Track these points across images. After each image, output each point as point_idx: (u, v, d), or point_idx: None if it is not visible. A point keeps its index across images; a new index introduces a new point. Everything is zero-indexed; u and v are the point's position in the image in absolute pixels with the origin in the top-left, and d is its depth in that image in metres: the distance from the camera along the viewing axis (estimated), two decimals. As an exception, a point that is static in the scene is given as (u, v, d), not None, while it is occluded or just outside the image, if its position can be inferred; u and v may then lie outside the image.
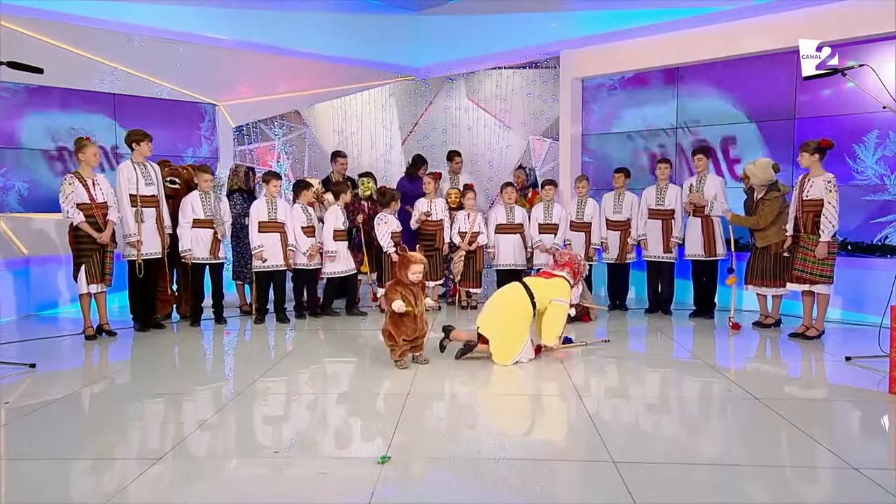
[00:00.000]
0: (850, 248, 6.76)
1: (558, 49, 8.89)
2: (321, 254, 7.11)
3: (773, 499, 2.86)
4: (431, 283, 7.40)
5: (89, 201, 5.93)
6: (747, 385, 4.49)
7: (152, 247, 6.38)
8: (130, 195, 6.22)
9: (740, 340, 6.09)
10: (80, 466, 3.23)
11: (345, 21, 9.28)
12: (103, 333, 6.18)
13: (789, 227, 6.02)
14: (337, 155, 8.26)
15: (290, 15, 8.83)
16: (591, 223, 7.54)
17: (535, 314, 5.23)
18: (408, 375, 4.76)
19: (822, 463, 3.24)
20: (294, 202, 7.13)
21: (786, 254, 6.07)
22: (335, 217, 7.11)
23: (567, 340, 5.65)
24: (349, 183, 7.73)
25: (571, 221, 7.64)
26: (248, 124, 9.15)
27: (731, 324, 6.40)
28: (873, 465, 3.14)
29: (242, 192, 7.44)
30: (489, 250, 7.79)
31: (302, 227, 6.95)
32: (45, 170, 7.48)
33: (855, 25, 6.52)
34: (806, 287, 5.91)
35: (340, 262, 7.15)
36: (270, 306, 7.13)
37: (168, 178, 6.78)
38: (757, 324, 6.52)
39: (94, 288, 6.04)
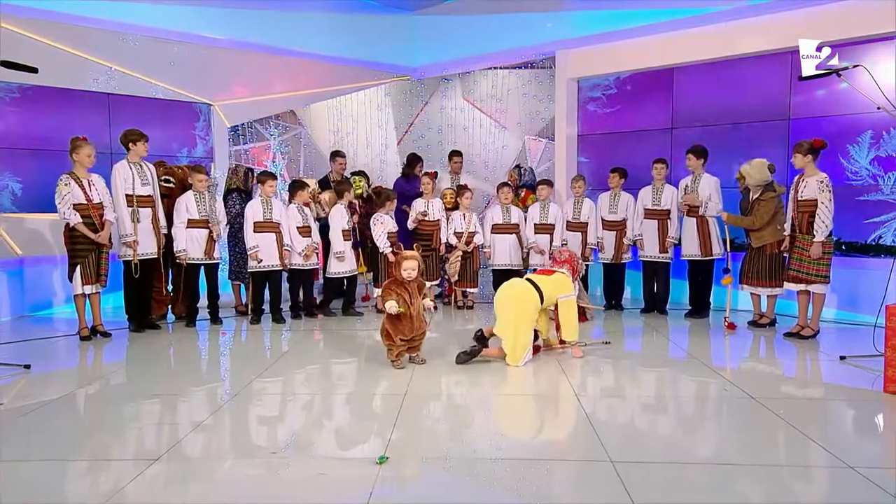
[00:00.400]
0: (844, 247, 6.79)
1: (554, 49, 8.90)
2: (317, 254, 7.10)
3: (769, 498, 2.86)
4: (428, 283, 7.39)
5: (86, 201, 5.91)
6: (743, 384, 4.50)
7: (148, 247, 6.37)
8: (127, 195, 6.20)
9: (736, 340, 6.11)
10: (76, 468, 3.22)
11: (340, 21, 9.26)
12: (98, 334, 6.16)
13: (787, 227, 6.04)
14: (336, 155, 8.26)
15: (286, 15, 8.80)
16: (587, 223, 7.57)
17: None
18: (405, 376, 4.76)
19: (818, 462, 3.26)
20: (290, 202, 7.11)
21: (784, 254, 6.10)
22: (340, 216, 7.10)
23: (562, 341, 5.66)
24: (351, 182, 7.70)
25: (568, 221, 7.66)
26: (243, 124, 9.13)
27: (726, 323, 6.42)
28: (869, 464, 3.15)
29: (240, 191, 7.43)
30: (485, 250, 7.80)
31: (297, 228, 6.94)
32: (38, 169, 7.43)
33: (851, 26, 6.55)
34: (802, 287, 5.94)
35: (347, 263, 7.14)
36: (266, 307, 7.11)
37: (163, 178, 6.76)
38: (752, 323, 6.54)
39: (88, 288, 6.02)
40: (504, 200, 7.76)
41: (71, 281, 6.03)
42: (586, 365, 5.18)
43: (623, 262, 7.56)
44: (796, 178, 6.02)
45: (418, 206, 7.65)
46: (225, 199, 7.33)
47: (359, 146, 10.05)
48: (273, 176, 6.97)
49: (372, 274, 7.72)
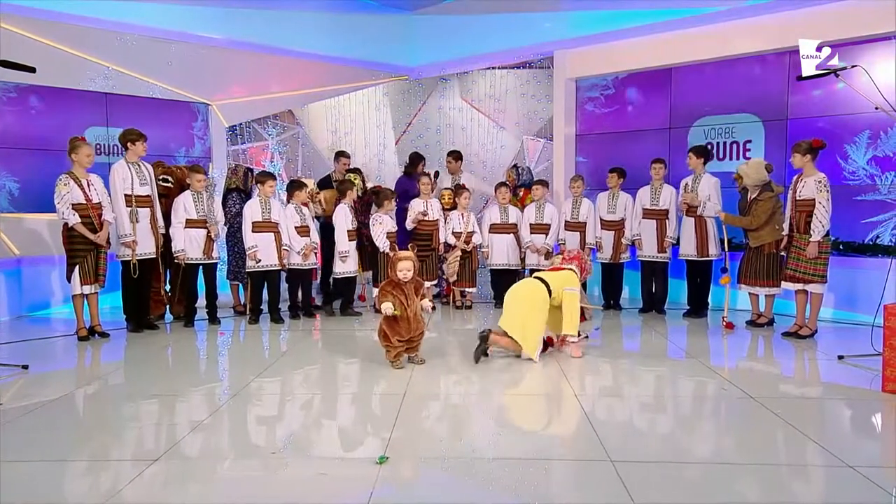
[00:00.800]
0: (841, 247, 6.80)
1: (552, 49, 8.89)
2: (315, 253, 7.10)
3: (769, 497, 2.87)
4: (427, 283, 7.39)
5: (85, 201, 5.90)
6: (742, 384, 4.51)
7: (146, 247, 6.37)
8: (125, 195, 6.19)
9: (734, 339, 6.12)
10: (75, 468, 3.22)
11: (338, 20, 9.27)
12: (96, 335, 6.15)
13: (785, 226, 6.06)
14: (340, 155, 8.23)
15: (284, 14, 8.82)
16: (585, 223, 7.58)
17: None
18: (404, 375, 4.77)
19: (817, 461, 3.27)
20: (288, 202, 7.11)
21: (782, 253, 6.11)
22: (344, 216, 7.09)
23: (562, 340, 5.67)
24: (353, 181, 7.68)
25: (566, 221, 7.67)
26: (241, 124, 9.11)
27: (724, 323, 6.43)
28: (868, 463, 3.16)
29: (240, 191, 7.42)
30: (483, 250, 7.81)
31: (296, 227, 6.94)
32: (35, 169, 7.40)
33: (849, 26, 6.55)
34: (800, 286, 5.95)
35: (351, 262, 7.14)
36: (265, 306, 7.11)
37: (161, 177, 6.75)
38: (750, 323, 6.55)
39: (87, 289, 6.02)
40: (502, 200, 7.77)
41: (69, 281, 6.02)
42: (585, 365, 5.18)
43: (621, 261, 7.57)
44: (795, 177, 6.04)
45: (417, 206, 7.64)
46: (224, 198, 7.32)
47: (357, 146, 10.03)
48: (272, 176, 6.96)
49: (371, 273, 7.70)
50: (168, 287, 6.99)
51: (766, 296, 6.46)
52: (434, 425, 3.87)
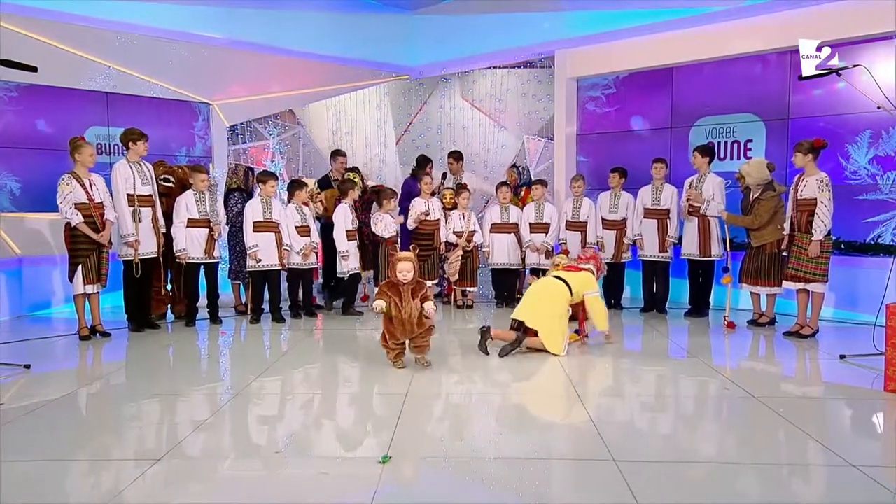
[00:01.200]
0: (843, 246, 6.80)
1: (553, 49, 8.89)
2: (315, 253, 7.10)
3: (773, 496, 2.87)
4: (428, 283, 7.38)
5: (87, 201, 5.90)
6: (744, 383, 4.51)
7: (148, 246, 6.36)
8: (128, 195, 6.19)
9: (735, 339, 6.12)
10: (77, 468, 3.22)
11: (339, 20, 9.27)
12: (97, 334, 6.14)
13: (787, 226, 6.06)
14: (336, 154, 8.25)
15: (285, 14, 8.82)
16: (586, 222, 7.58)
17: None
18: (405, 375, 4.76)
19: (820, 460, 3.27)
20: (288, 202, 7.10)
21: (784, 253, 6.11)
22: (344, 216, 7.06)
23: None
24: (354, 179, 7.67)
25: (567, 221, 7.67)
26: (242, 123, 9.11)
27: (726, 322, 6.43)
28: (871, 463, 3.17)
29: (241, 191, 7.41)
30: (484, 250, 7.81)
31: (296, 227, 6.93)
32: (37, 169, 7.40)
33: (850, 26, 6.55)
34: (801, 285, 5.95)
35: (352, 260, 7.11)
36: (266, 306, 7.11)
37: (162, 176, 6.75)
38: (752, 322, 6.55)
39: (90, 288, 6.01)
40: (502, 200, 7.77)
41: (72, 281, 6.01)
42: (587, 364, 5.19)
43: (623, 261, 7.57)
44: (796, 177, 6.04)
45: (419, 205, 7.63)
46: (226, 198, 7.32)
47: (358, 146, 10.04)
48: (273, 176, 6.96)
49: (372, 273, 7.69)
50: (169, 286, 6.98)
51: (767, 295, 6.46)
52: (436, 425, 3.87)
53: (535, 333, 5.35)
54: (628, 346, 5.91)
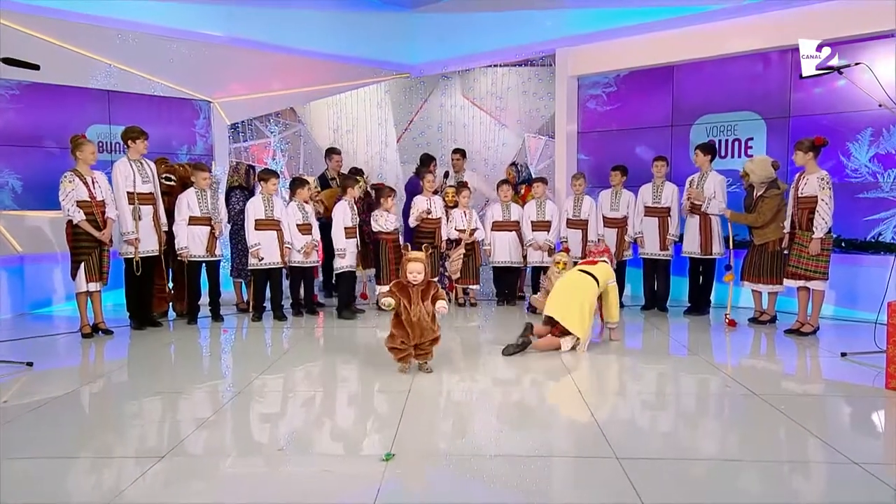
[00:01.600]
0: (843, 244, 6.81)
1: (554, 47, 8.90)
2: (317, 251, 7.10)
3: (775, 493, 2.88)
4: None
5: (89, 199, 5.91)
6: (745, 381, 4.52)
7: (149, 244, 6.37)
8: (128, 193, 6.19)
9: (736, 337, 6.14)
10: (80, 465, 3.23)
11: (340, 18, 9.28)
12: (100, 332, 6.16)
13: (787, 224, 6.07)
14: (331, 152, 8.26)
15: (285, 12, 8.82)
16: (587, 220, 7.59)
17: None
18: (408, 373, 4.76)
19: (823, 458, 3.28)
20: (290, 200, 7.11)
21: (785, 251, 6.13)
22: (343, 213, 7.03)
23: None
24: (357, 178, 7.67)
25: (568, 219, 7.68)
26: (243, 121, 9.13)
27: (727, 320, 6.44)
28: (873, 460, 3.18)
29: (243, 189, 7.42)
30: (485, 248, 7.82)
31: (297, 225, 6.94)
32: (38, 166, 7.41)
33: (851, 24, 6.56)
34: (801, 283, 5.97)
35: (348, 258, 7.03)
36: (267, 304, 7.12)
37: (163, 175, 6.76)
38: (752, 320, 6.57)
39: (92, 286, 6.02)
40: (504, 198, 7.78)
41: (74, 279, 6.02)
42: (589, 362, 5.20)
43: (624, 259, 7.58)
44: (797, 175, 6.05)
45: (421, 203, 7.64)
46: (227, 196, 7.33)
47: (359, 144, 10.06)
48: (275, 174, 6.97)
49: (374, 271, 7.69)
50: (171, 284, 6.99)
51: (768, 293, 6.47)
52: (439, 422, 3.88)
53: (556, 331, 5.47)
54: (629, 343, 5.92)
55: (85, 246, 5.97)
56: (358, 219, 7.24)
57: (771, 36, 7.15)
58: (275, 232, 6.78)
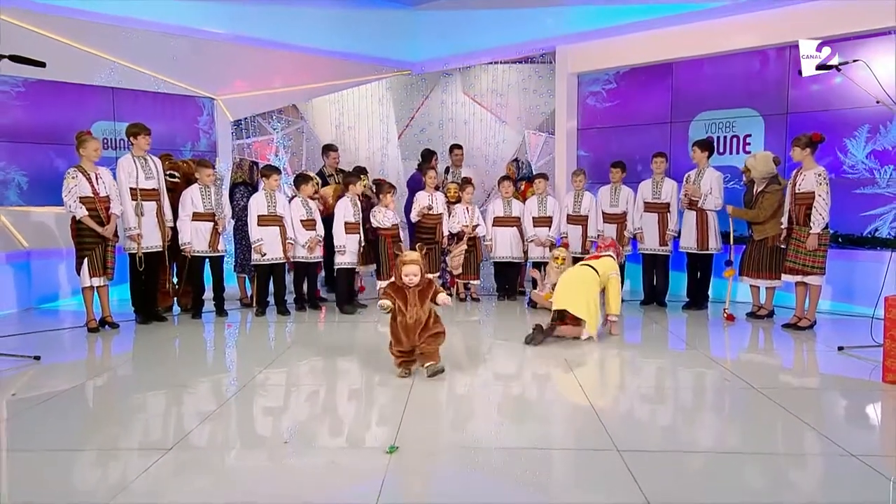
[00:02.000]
0: (840, 240, 6.87)
1: (554, 44, 8.94)
2: (321, 246, 7.15)
3: (775, 484, 2.93)
4: (429, 275, 7.42)
5: (92, 195, 5.96)
6: (744, 375, 4.57)
7: (153, 240, 6.42)
8: (130, 189, 6.24)
9: (735, 331, 6.20)
10: (88, 458, 3.26)
11: (341, 16, 9.32)
12: (106, 326, 6.22)
13: (784, 219, 6.13)
14: (328, 149, 8.30)
15: (288, 10, 8.86)
16: (587, 216, 7.65)
17: None
18: (409, 377, 4.73)
19: (821, 450, 3.32)
20: (294, 195, 7.16)
21: (782, 246, 6.19)
22: (344, 209, 7.07)
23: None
24: (361, 175, 7.71)
25: (568, 215, 7.74)
26: (246, 118, 9.18)
27: (725, 315, 6.50)
28: (871, 452, 3.23)
29: (246, 185, 7.48)
30: (486, 243, 7.87)
31: (301, 221, 7.00)
32: (43, 163, 7.47)
33: (849, 21, 6.60)
34: (798, 278, 6.03)
35: (348, 255, 7.07)
36: (271, 299, 7.18)
37: (168, 172, 6.81)
38: (750, 315, 6.63)
39: (96, 281, 6.08)
40: (505, 194, 7.83)
41: (79, 274, 6.08)
42: (589, 356, 5.26)
43: (623, 254, 7.63)
44: (795, 171, 6.11)
45: (422, 199, 7.69)
46: (231, 192, 7.38)
47: (360, 140, 10.11)
48: (277, 170, 7.02)
49: (374, 266, 7.73)
50: (175, 279, 7.05)
51: (766, 288, 6.54)
52: (442, 416, 3.93)
53: (570, 321, 5.65)
54: (629, 338, 5.98)
55: (88, 241, 6.02)
56: (361, 215, 7.29)
57: (769, 33, 7.21)
58: (277, 228, 6.84)
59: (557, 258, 7.15)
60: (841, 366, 4.93)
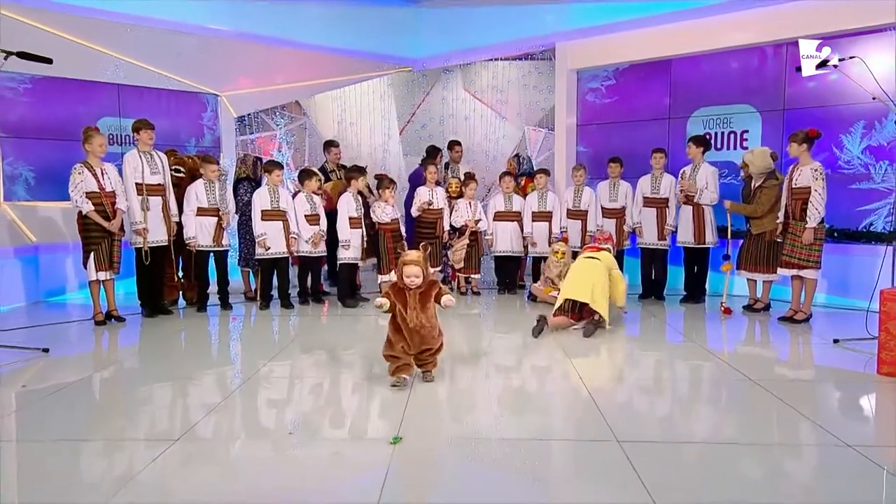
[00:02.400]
0: (836, 234, 6.93)
1: (553, 41, 8.98)
2: (324, 241, 7.21)
3: (772, 474, 2.99)
4: (430, 270, 7.47)
5: (98, 190, 6.03)
6: (741, 367, 4.64)
7: (158, 234, 6.50)
8: (136, 184, 6.32)
9: (731, 324, 6.26)
10: (96, 448, 3.31)
11: (344, 13, 9.37)
12: (112, 319, 6.30)
13: (780, 214, 6.20)
14: (330, 144, 8.36)
15: (291, 7, 8.92)
16: (587, 211, 7.72)
17: None
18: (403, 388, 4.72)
19: (818, 441, 3.37)
20: (299, 190, 7.23)
21: (778, 240, 6.26)
22: (347, 204, 7.12)
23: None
24: (363, 170, 7.76)
25: (568, 210, 7.81)
26: (249, 114, 9.25)
27: (722, 308, 6.58)
28: (867, 443, 3.30)
29: (250, 180, 7.55)
30: (487, 237, 7.94)
31: (305, 216, 7.06)
32: (50, 158, 7.53)
33: (846, 18, 6.64)
34: (794, 272, 6.10)
35: (353, 250, 7.11)
36: (275, 292, 7.25)
37: (173, 167, 6.88)
38: (747, 308, 6.71)
39: (102, 275, 6.15)
40: (506, 189, 7.90)
41: (85, 267, 6.16)
42: (589, 349, 5.32)
43: (622, 248, 7.71)
44: (791, 166, 6.18)
45: (423, 194, 7.74)
46: (235, 187, 7.44)
47: (362, 136, 10.17)
48: (280, 165, 7.09)
49: (375, 260, 7.79)
50: (181, 273, 7.14)
51: (763, 282, 6.62)
52: (444, 407, 3.98)
53: (586, 314, 5.87)
54: (628, 331, 6.05)
55: (94, 236, 6.10)
56: (363, 210, 7.36)
57: (766, 30, 7.26)
58: (280, 222, 6.91)
59: (557, 252, 7.22)
60: (836, 358, 5.00)
